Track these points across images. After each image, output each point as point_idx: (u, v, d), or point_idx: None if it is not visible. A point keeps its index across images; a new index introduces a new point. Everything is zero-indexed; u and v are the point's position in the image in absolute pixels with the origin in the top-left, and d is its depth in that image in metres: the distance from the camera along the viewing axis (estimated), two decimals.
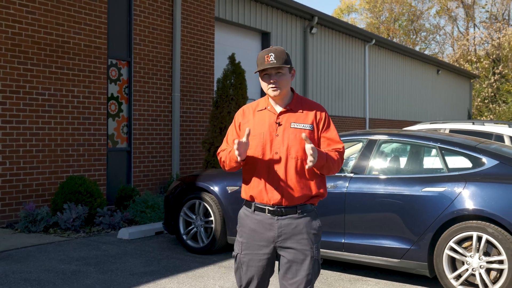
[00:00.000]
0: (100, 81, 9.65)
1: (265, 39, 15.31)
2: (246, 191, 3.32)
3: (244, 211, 3.36)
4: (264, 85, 3.26)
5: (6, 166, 8.28)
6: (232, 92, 10.44)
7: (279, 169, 3.20)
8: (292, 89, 3.35)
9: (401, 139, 6.34)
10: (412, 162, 6.27)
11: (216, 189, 6.75)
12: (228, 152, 3.28)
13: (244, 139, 3.11)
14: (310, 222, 3.25)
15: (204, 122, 11.83)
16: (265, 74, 3.23)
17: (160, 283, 5.60)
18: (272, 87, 3.21)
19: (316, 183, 3.27)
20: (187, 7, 11.50)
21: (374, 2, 50.55)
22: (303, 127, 3.23)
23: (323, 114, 3.31)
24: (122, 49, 10.27)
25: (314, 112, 3.30)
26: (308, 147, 3.01)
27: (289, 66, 3.23)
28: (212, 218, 6.76)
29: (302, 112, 3.28)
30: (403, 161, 6.42)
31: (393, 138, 6.36)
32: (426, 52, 49.90)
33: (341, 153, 3.29)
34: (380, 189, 5.78)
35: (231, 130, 3.42)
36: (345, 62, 19.71)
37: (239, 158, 3.10)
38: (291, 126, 3.23)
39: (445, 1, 48.99)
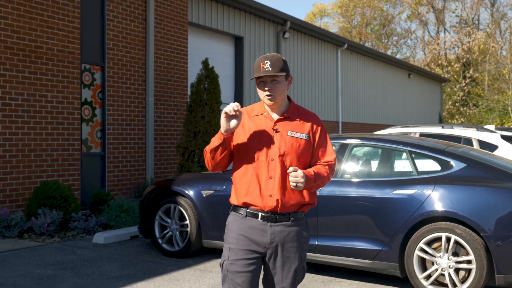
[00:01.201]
0: (74, 86, 9.65)
1: (238, 44, 15.41)
2: (238, 197, 3.25)
3: (233, 217, 3.29)
4: (259, 92, 3.24)
5: None
6: (206, 97, 10.52)
7: (275, 175, 3.18)
8: (288, 97, 3.33)
9: (373, 143, 6.48)
10: (383, 166, 6.42)
11: (191, 193, 6.82)
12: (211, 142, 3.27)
13: (238, 119, 3.11)
14: (301, 231, 3.25)
15: (178, 126, 11.88)
16: (260, 81, 3.20)
17: (136, 286, 5.65)
18: (267, 95, 3.19)
19: (307, 192, 3.25)
20: (161, 12, 11.55)
21: (346, 6, 51.05)
22: (300, 136, 3.23)
23: (320, 125, 3.32)
24: (96, 54, 10.27)
25: (311, 122, 3.29)
26: (293, 179, 3.09)
27: (285, 73, 3.20)
28: (187, 222, 6.83)
29: (299, 121, 3.27)
30: (374, 164, 6.57)
31: (365, 142, 6.51)
32: (397, 56, 50.58)
33: (331, 165, 3.30)
34: (352, 192, 5.91)
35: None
36: (318, 66, 19.91)
37: (223, 130, 3.10)
38: (288, 135, 3.21)
39: (416, 6, 49.71)
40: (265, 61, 3.15)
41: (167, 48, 11.72)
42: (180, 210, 6.92)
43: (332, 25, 54.25)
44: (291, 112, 3.28)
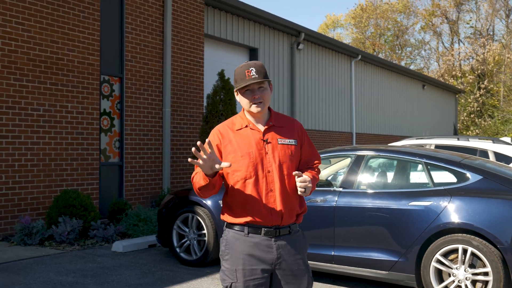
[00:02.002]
0: (93, 96, 9.83)
1: (253, 55, 15.56)
2: (236, 214, 3.09)
3: (233, 235, 3.09)
4: (245, 102, 3.08)
5: (2, 180, 8.40)
6: (222, 108, 10.66)
7: (274, 187, 3.06)
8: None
9: (388, 154, 6.56)
10: (399, 177, 6.50)
11: (208, 202, 6.94)
12: (196, 178, 3.07)
13: (208, 153, 2.85)
14: (302, 241, 3.19)
15: (194, 137, 12.02)
16: (247, 90, 3.07)
17: None
18: (256, 103, 3.06)
19: (301, 201, 3.20)
20: (177, 24, 11.72)
21: (359, 17, 51.16)
22: (289, 142, 3.14)
23: (303, 129, 3.27)
24: (114, 65, 10.46)
25: (294, 126, 3.22)
26: (302, 185, 2.98)
27: (269, 80, 3.12)
28: (205, 231, 6.94)
29: (284, 128, 3.18)
30: (390, 176, 6.66)
31: (380, 154, 6.60)
32: (411, 67, 50.56)
33: (319, 167, 3.33)
34: (368, 203, 5.99)
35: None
36: (332, 77, 20.01)
37: (206, 173, 2.90)
38: (279, 143, 3.11)
39: (430, 17, 49.72)
40: (250, 69, 3.04)
41: (184, 60, 11.88)
42: (198, 220, 7.04)
43: (345, 36, 54.39)
44: (274, 119, 3.18)
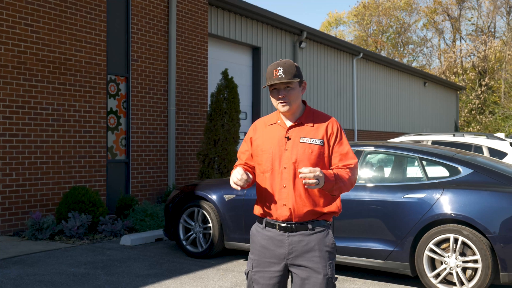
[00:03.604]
0: (100, 96, 10.13)
1: (256, 54, 15.85)
2: (257, 207, 3.27)
3: (256, 227, 3.29)
4: (273, 100, 3.19)
5: (12, 177, 8.72)
6: (226, 106, 10.95)
7: (288, 184, 3.12)
8: (304, 102, 3.28)
9: (386, 150, 6.86)
10: (395, 172, 6.79)
11: (214, 197, 7.24)
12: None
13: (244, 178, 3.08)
14: (323, 239, 3.14)
15: (199, 134, 12.32)
16: (274, 89, 3.15)
17: (164, 283, 6.07)
18: (281, 103, 3.14)
19: (327, 200, 3.18)
20: (182, 24, 12.02)
21: (361, 15, 51.38)
22: (313, 142, 3.14)
23: (335, 128, 3.20)
24: (121, 65, 10.76)
25: (325, 126, 3.19)
26: (302, 175, 2.92)
27: (298, 80, 3.13)
28: (210, 224, 7.24)
29: (313, 126, 3.19)
30: (387, 170, 6.95)
31: (378, 149, 6.89)
32: (414, 64, 50.80)
33: (352, 169, 3.16)
34: (366, 196, 6.29)
35: (242, 145, 3.38)
36: (334, 75, 20.29)
37: (238, 188, 3.10)
38: (301, 141, 3.14)
39: (432, 15, 49.92)
40: (278, 68, 3.11)
41: (188, 59, 12.18)
42: (204, 214, 7.34)
43: (347, 33, 54.64)
44: (305, 117, 3.22)
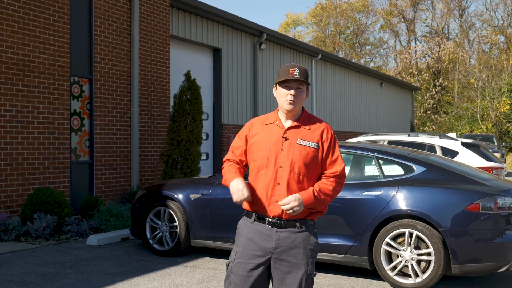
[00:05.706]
0: (64, 97, 10.21)
1: (216, 55, 16.07)
2: (249, 202, 3.38)
3: (243, 221, 3.42)
4: (280, 97, 3.35)
5: None
6: (188, 107, 11.16)
7: (282, 182, 3.27)
8: (302, 107, 3.44)
9: (344, 150, 7.17)
10: (353, 170, 7.11)
11: (180, 196, 7.45)
12: (226, 172, 3.44)
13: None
14: (308, 237, 3.31)
15: (162, 135, 12.48)
16: (286, 85, 3.32)
17: (133, 281, 6.26)
18: (289, 100, 3.30)
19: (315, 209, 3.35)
20: (144, 26, 12.16)
21: (319, 16, 52.07)
22: (308, 145, 3.31)
23: (329, 134, 3.39)
24: (84, 67, 10.85)
25: (321, 131, 3.37)
26: (286, 207, 3.19)
27: (308, 84, 3.36)
28: (177, 223, 7.46)
29: (309, 129, 3.36)
30: (346, 169, 7.26)
31: None
32: (371, 65, 51.75)
33: (338, 176, 3.35)
34: None
35: (236, 140, 3.53)
36: None
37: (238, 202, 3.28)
38: (297, 143, 3.30)
39: (388, 16, 50.94)
40: (295, 68, 3.30)
41: (151, 61, 12.33)
42: (170, 213, 7.55)
43: (306, 34, 55.28)
44: (302, 120, 3.39)
